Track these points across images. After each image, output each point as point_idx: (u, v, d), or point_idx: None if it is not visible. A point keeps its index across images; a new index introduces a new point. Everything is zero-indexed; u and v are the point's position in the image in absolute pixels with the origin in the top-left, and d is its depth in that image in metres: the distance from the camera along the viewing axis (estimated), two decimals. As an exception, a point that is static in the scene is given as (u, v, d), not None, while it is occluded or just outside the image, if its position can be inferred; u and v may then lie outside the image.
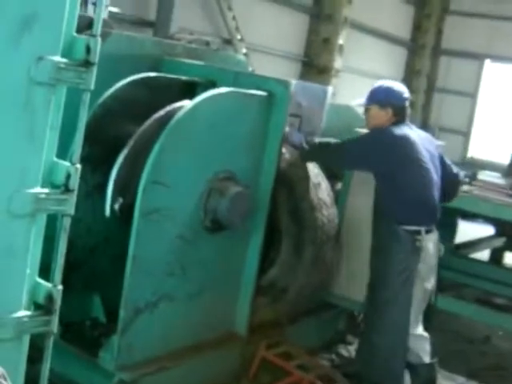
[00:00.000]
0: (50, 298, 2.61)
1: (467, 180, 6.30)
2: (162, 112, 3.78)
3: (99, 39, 2.49)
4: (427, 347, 4.42)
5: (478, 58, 15.04)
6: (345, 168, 4.44)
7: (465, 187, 6.17)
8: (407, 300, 4.24)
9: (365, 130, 4.72)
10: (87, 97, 2.55)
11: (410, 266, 4.21)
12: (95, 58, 2.50)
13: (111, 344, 3.58)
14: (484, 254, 8.40)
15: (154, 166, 3.44)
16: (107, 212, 3.80)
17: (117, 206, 3.73)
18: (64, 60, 2.44)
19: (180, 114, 3.55)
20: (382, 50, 14.29)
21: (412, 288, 4.24)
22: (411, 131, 4.38)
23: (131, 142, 3.75)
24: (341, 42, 11.56)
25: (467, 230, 9.18)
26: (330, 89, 4.51)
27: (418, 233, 4.22)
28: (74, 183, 2.55)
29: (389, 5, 14.19)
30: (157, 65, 4.37)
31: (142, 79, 3.99)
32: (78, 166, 2.56)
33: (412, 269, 4.22)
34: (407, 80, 15.42)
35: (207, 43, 5.25)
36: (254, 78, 4.18)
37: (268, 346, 4.27)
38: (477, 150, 15.43)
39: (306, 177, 4.41)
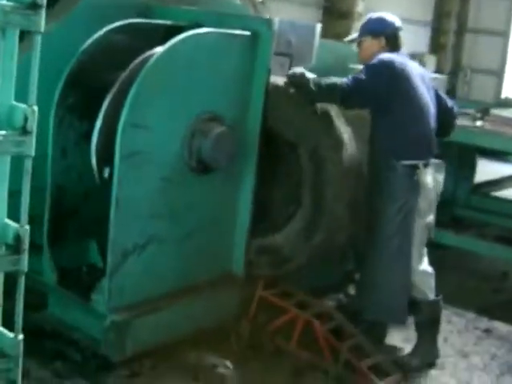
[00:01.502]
0: (18, 237, 2.67)
1: (479, 115, 6.22)
2: (143, 56, 3.79)
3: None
4: (432, 283, 4.42)
5: (509, -5, 14.68)
6: (354, 105, 4.35)
7: (477, 122, 6.10)
8: (408, 236, 4.24)
9: (359, 66, 4.68)
10: (38, 39, 2.58)
11: (410, 201, 4.20)
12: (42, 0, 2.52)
13: (102, 287, 3.66)
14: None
15: (131, 108, 3.46)
16: (97, 180, 3.86)
17: (106, 174, 3.77)
18: (10, 3, 2.48)
19: (157, 55, 3.56)
20: (408, -8, 14.00)
21: (412, 224, 4.23)
22: (407, 60, 4.34)
23: (114, 89, 3.78)
24: (362, -16, 11.36)
25: (499, 170, 9.09)
26: (318, 26, 4.45)
27: (416, 167, 4.19)
28: (32, 125, 2.58)
29: None
30: (145, 11, 4.36)
31: (125, 25, 3.99)
32: (35, 107, 2.58)
33: (411, 204, 4.21)
34: (437, 22, 15.15)
35: (202, -12, 5.20)
36: (238, 19, 4.15)
37: (266, 285, 4.30)
38: (511, 90, 15.11)
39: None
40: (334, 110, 4.35)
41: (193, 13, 4.29)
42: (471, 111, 6.37)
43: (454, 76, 15.37)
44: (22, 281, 2.72)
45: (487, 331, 4.92)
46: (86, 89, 3.88)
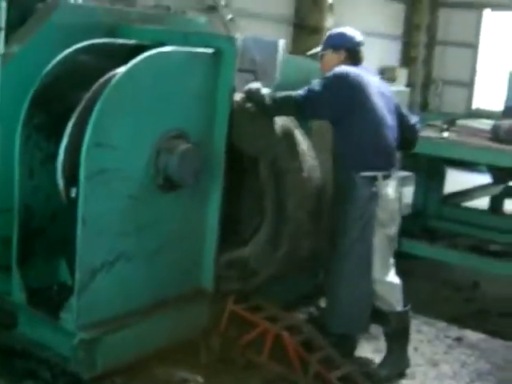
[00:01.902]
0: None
1: (445, 126, 6.32)
2: (106, 76, 3.83)
3: (3, 5, 2.54)
4: (398, 294, 4.46)
5: (477, 7, 14.86)
6: (308, 117, 4.45)
7: (444, 134, 6.19)
8: (367, 247, 4.29)
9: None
10: (-3, 60, 2.60)
11: (368, 212, 4.26)
12: (1, 23, 2.56)
13: (70, 305, 3.68)
14: (483, 203, 8.40)
15: (94, 128, 3.49)
16: (64, 200, 3.88)
17: (73, 194, 3.78)
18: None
19: (118, 74, 3.61)
20: (378, 7, 14.14)
21: (372, 235, 4.28)
22: (365, 73, 4.41)
23: (78, 108, 3.81)
24: (330, 0, 11.46)
25: (470, 180, 9.19)
26: (281, 42, 4.52)
27: (375, 178, 4.26)
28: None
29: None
30: (111, 32, 4.41)
31: (89, 45, 4.03)
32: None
33: (370, 215, 4.26)
34: (407, 35, 15.32)
35: (168, 8, 5.27)
36: (202, 37, 4.22)
37: (236, 299, 4.34)
38: (481, 100, 15.29)
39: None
40: (292, 123, 4.43)
41: (157, 32, 4.35)
42: (439, 123, 6.47)
43: (426, 88, 15.54)
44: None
45: (458, 340, 4.98)
46: (52, 109, 3.92)
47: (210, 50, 4.02)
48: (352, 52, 4.49)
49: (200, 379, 3.94)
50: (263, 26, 11.06)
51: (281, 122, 4.36)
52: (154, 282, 4.03)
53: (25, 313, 4.04)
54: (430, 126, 6.68)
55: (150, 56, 3.69)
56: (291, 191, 4.33)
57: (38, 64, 3.94)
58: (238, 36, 4.38)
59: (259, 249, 4.38)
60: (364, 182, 4.23)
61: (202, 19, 5.22)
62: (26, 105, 3.83)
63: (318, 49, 4.65)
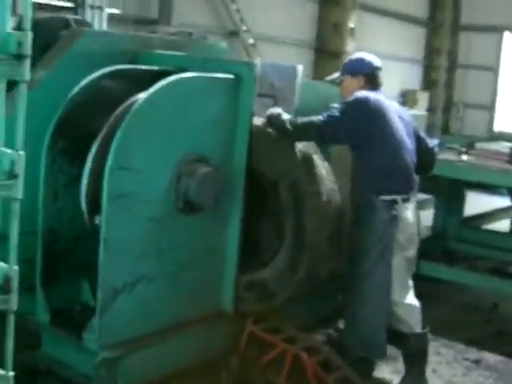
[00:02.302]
0: (6, 278, 2.79)
1: (464, 149, 6.37)
2: (129, 101, 3.94)
3: (29, 33, 2.66)
4: (417, 316, 4.49)
5: (497, 30, 14.92)
6: (328, 141, 4.52)
7: (463, 156, 6.24)
8: (387, 270, 4.33)
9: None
10: (24, 87, 2.72)
11: (388, 235, 4.30)
12: (27, 50, 2.68)
13: (93, 325, 3.76)
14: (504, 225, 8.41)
15: (117, 152, 3.59)
16: (88, 225, 3.98)
17: (97, 221, 3.83)
18: (-1, 55, 2.64)
19: (140, 100, 3.71)
20: (399, 31, 14.25)
21: (391, 258, 4.33)
22: (384, 98, 4.48)
23: (101, 134, 3.92)
24: (351, 25, 11.60)
25: (491, 202, 9.20)
26: (300, 67, 4.61)
27: (395, 202, 4.31)
28: (19, 169, 2.72)
29: (403, -15, 14.17)
30: (134, 58, 4.53)
31: (112, 71, 4.14)
32: (22, 152, 2.72)
33: (390, 238, 4.30)
34: (428, 59, 15.40)
35: (190, 34, 5.38)
36: (222, 63, 4.32)
37: (255, 320, 4.39)
38: (503, 123, 15.29)
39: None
40: (311, 148, 4.49)
41: (178, 58, 4.46)
42: (457, 146, 6.52)
43: (447, 112, 15.57)
44: (11, 319, 2.83)
45: (476, 362, 5.00)
46: (76, 134, 4.02)
47: (229, 76, 4.12)
48: (370, 77, 4.57)
49: (219, 399, 3.99)
50: (284, 50, 11.20)
51: (300, 146, 4.42)
52: (174, 304, 4.10)
53: (48, 333, 4.12)
54: (449, 148, 6.74)
55: (170, 82, 3.79)
56: (310, 214, 4.37)
57: (62, 90, 4.05)
58: (258, 61, 4.47)
59: (278, 271, 4.43)
60: (384, 206, 4.28)
61: (223, 45, 5.34)
62: (50, 129, 3.94)
63: (337, 74, 4.74)
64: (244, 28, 10.03)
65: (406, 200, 4.36)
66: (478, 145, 6.65)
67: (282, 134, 4.36)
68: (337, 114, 4.30)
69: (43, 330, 4.14)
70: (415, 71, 15.32)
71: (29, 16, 2.67)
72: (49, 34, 4.58)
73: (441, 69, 15.19)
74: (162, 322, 4.04)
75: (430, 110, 14.79)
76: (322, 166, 4.52)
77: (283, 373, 4.18)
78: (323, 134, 4.33)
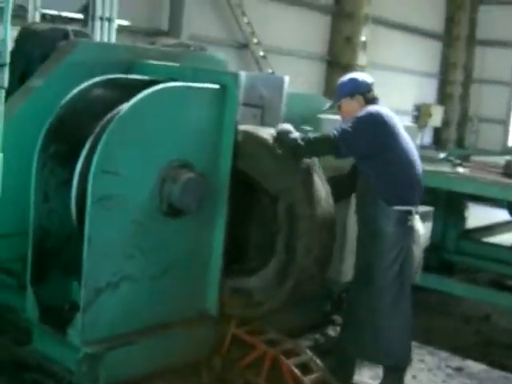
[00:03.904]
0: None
1: (459, 161, 6.47)
2: (117, 109, 4.12)
3: (8, 43, 2.84)
4: None
5: (514, 46, 15.00)
6: (344, 155, 4.50)
7: (458, 168, 6.35)
8: (406, 280, 4.43)
9: (330, 116, 4.99)
10: (2, 93, 2.90)
11: (406, 246, 4.40)
12: (5, 59, 2.86)
13: (76, 321, 3.93)
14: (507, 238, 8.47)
15: (101, 157, 3.76)
16: (75, 225, 4.16)
17: None
18: (-23, 63, 2.83)
19: (122, 110, 3.89)
20: (414, 44, 14.38)
21: (410, 269, 4.44)
22: (389, 112, 4.58)
23: (90, 139, 4.10)
24: (363, 39, 11.74)
25: (497, 216, 9.24)
26: (286, 78, 4.76)
27: (410, 213, 4.41)
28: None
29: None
30: (129, 68, 4.72)
31: (104, 81, 4.33)
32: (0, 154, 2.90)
33: (408, 248, 4.41)
34: (443, 72, 15.47)
35: (187, 46, 5.57)
36: (209, 73, 4.48)
37: (239, 323, 4.54)
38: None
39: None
40: (314, 168, 4.54)
41: (169, 68, 4.64)
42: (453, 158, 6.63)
43: (462, 125, 15.63)
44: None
45: (458, 369, 5.09)
46: (67, 138, 4.21)
47: (214, 86, 4.28)
48: (368, 94, 4.63)
49: (197, 397, 4.14)
50: (296, 63, 11.37)
51: (303, 164, 4.47)
52: (158, 304, 4.25)
53: (38, 329, 4.30)
54: (448, 161, 6.86)
55: (153, 91, 3.96)
56: (302, 237, 4.40)
57: (57, 98, 4.24)
58: (248, 73, 4.63)
59: (265, 282, 4.50)
60: (399, 217, 4.37)
61: (221, 56, 5.51)
62: (42, 134, 4.13)
63: (329, 103, 4.84)
64: (255, 41, 10.22)
65: (416, 212, 4.47)
66: (474, 158, 6.74)
67: (293, 150, 4.41)
68: (351, 129, 4.37)
69: (33, 327, 4.32)
70: (430, 85, 15.42)
71: (7, 26, 2.84)
72: (48, 45, 4.79)
73: (456, 83, 15.25)
74: (145, 321, 4.20)
75: (445, 123, 14.83)
76: (321, 188, 4.54)
77: (262, 374, 4.32)
78: (339, 149, 4.38)
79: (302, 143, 4.38)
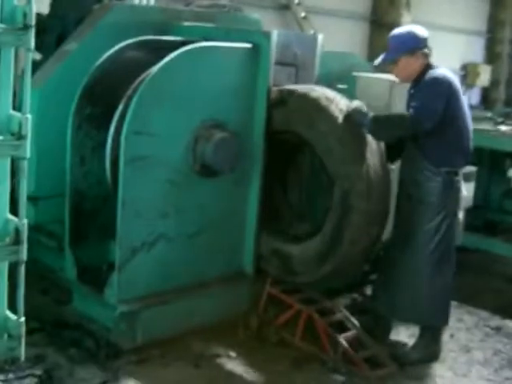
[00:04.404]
0: (17, 231, 3.03)
1: (500, 120, 6.35)
2: (149, 71, 4.14)
3: (33, 5, 2.87)
4: None
5: None
6: (428, 129, 4.23)
7: (499, 127, 6.23)
8: (452, 244, 4.42)
9: (365, 74, 4.92)
10: (29, 55, 2.94)
11: (452, 211, 4.36)
12: (31, 21, 2.89)
13: (112, 281, 4.00)
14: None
15: (133, 117, 3.81)
16: (110, 185, 4.21)
17: None
18: (3, 26, 2.87)
19: (155, 68, 3.90)
20: (460, 2, 14.03)
21: (454, 231, 4.40)
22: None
23: (123, 100, 4.13)
24: (407, -3, 11.53)
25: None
26: (320, 36, 4.71)
27: (456, 174, 4.35)
28: (26, 130, 2.95)
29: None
30: (162, 30, 4.73)
31: (137, 42, 4.36)
32: (28, 115, 2.95)
33: (453, 214, 4.37)
34: (491, 30, 15.11)
35: (223, 6, 5.54)
36: (241, 33, 4.47)
37: (275, 282, 4.56)
38: None
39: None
40: (381, 160, 4.39)
41: (203, 29, 4.64)
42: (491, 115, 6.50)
43: (511, 85, 15.29)
44: (22, 269, 3.07)
45: (497, 329, 5.03)
46: (101, 100, 4.25)
47: (246, 45, 4.26)
48: (426, 51, 4.38)
49: (233, 354, 4.19)
50: (339, 23, 11.22)
51: (368, 153, 4.28)
52: (193, 263, 4.31)
53: (77, 289, 4.39)
54: (490, 119, 6.74)
55: (185, 51, 3.97)
56: (351, 228, 4.28)
57: (91, 60, 4.28)
58: (280, 31, 4.58)
59: (306, 257, 4.44)
60: (446, 180, 4.29)
61: (255, 16, 5.47)
62: (76, 97, 4.17)
63: (385, 55, 4.46)
64: (296, 1, 10.10)
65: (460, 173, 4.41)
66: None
67: (367, 130, 4.24)
68: (427, 100, 4.20)
69: (72, 287, 4.41)
70: (478, 44, 15.08)
71: (32, -11, 2.86)
72: (83, 8, 4.83)
73: (504, 41, 14.90)
74: (181, 280, 4.26)
75: (493, 83, 14.54)
76: (383, 181, 4.36)
77: (297, 332, 4.34)
78: (422, 124, 4.19)
79: (377, 122, 4.20)
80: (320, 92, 4.35)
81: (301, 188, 4.81)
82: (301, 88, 4.42)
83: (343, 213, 4.27)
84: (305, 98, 4.32)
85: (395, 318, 4.64)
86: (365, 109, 4.23)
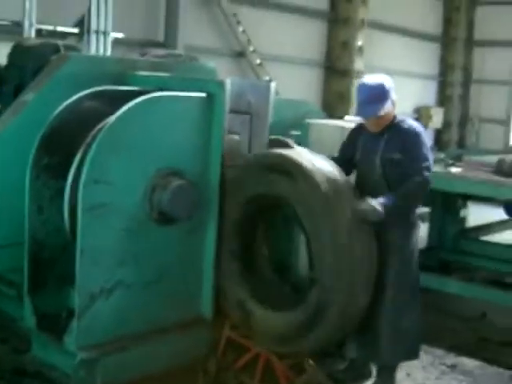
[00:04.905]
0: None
1: (451, 161, 6.55)
2: (106, 120, 4.22)
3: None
4: None
5: (511, 45, 15.04)
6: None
7: (450, 168, 6.42)
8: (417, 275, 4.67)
9: (318, 121, 5.08)
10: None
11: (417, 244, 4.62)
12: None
13: (71, 328, 4.02)
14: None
15: (91, 165, 3.86)
16: (68, 234, 4.27)
17: None
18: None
19: (112, 119, 3.99)
20: (412, 47, 14.47)
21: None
22: None
23: (81, 149, 4.21)
24: (360, 43, 11.83)
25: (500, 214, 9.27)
26: (273, 84, 4.85)
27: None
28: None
29: (415, 2, 14.35)
30: (119, 80, 4.83)
31: (93, 92, 4.44)
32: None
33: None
34: (442, 74, 15.54)
35: (179, 56, 5.68)
36: (196, 82, 4.58)
37: (233, 326, 4.62)
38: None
39: None
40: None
41: (158, 78, 4.75)
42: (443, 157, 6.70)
43: (463, 127, 15.69)
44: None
45: (452, 366, 5.16)
46: (59, 150, 4.32)
47: (201, 94, 4.38)
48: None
49: (192, 399, 4.23)
50: (294, 69, 11.46)
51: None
52: (152, 310, 4.34)
53: (37, 337, 4.40)
54: (441, 160, 6.93)
55: (141, 101, 4.06)
56: (330, 307, 4.13)
57: (49, 111, 4.36)
58: (233, 80, 4.71)
59: (290, 328, 4.26)
60: (415, 222, 4.58)
61: (211, 65, 5.61)
62: (34, 147, 4.24)
63: (373, 108, 4.38)
64: (251, 49, 10.32)
65: None
66: (466, 157, 6.82)
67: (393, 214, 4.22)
68: (428, 157, 4.37)
69: (32, 335, 4.42)
70: (430, 87, 15.49)
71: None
72: (40, 59, 4.92)
73: (456, 84, 15.33)
74: (140, 326, 4.29)
75: (445, 125, 14.90)
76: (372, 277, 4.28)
77: (256, 376, 4.40)
78: (428, 180, 4.40)
79: (399, 203, 4.25)
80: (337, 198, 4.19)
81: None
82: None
83: (319, 310, 4.15)
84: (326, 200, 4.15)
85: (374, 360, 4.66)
86: (375, 204, 4.16)
